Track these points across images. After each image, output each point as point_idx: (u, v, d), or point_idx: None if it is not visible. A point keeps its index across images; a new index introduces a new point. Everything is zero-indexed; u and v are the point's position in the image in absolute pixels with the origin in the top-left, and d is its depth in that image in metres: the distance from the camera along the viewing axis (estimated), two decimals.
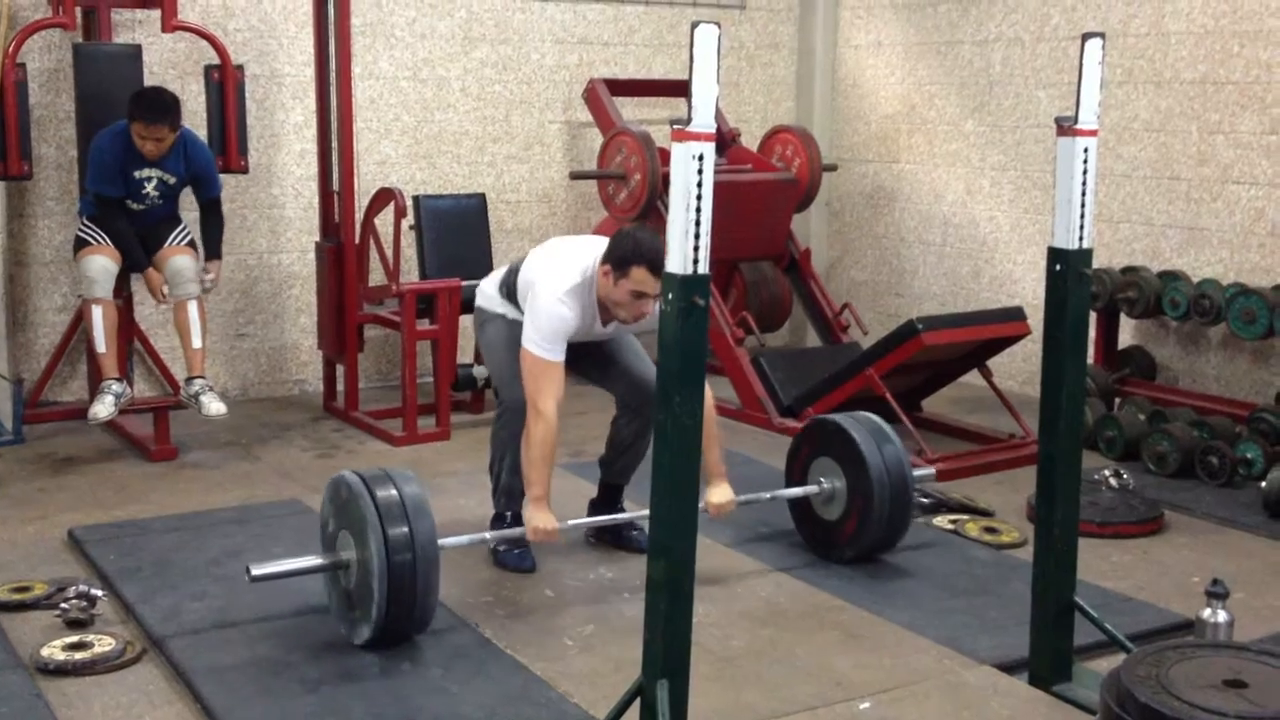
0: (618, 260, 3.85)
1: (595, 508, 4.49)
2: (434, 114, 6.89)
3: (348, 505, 3.53)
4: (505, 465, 4.19)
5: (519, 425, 3.97)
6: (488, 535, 4.04)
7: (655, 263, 3.71)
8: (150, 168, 5.33)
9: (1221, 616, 3.38)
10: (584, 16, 7.25)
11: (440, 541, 3.56)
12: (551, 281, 3.93)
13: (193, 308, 5.38)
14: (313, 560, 3.61)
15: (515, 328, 4.06)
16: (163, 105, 5.26)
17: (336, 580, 3.61)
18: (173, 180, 5.41)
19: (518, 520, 4.14)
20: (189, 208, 5.67)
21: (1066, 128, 3.24)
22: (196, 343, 5.39)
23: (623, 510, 4.43)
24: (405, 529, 3.43)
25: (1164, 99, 6.17)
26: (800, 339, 7.91)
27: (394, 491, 3.50)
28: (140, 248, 5.39)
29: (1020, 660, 3.52)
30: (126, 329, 5.70)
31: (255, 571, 3.49)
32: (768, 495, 4.37)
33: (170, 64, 6.17)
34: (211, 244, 5.60)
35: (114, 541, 4.41)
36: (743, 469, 5.34)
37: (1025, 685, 3.44)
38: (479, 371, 6.20)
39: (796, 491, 4.37)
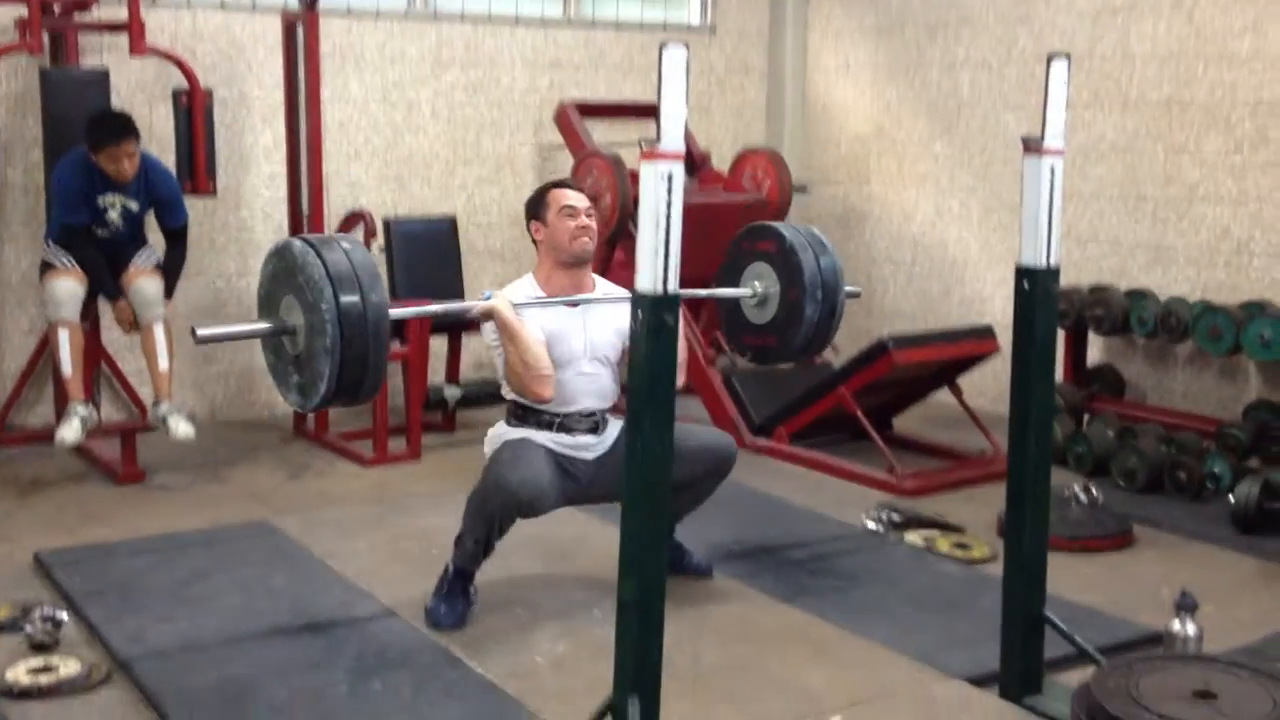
0: (534, 206, 4.00)
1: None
2: (404, 137, 6.90)
3: (293, 269, 3.23)
4: (471, 534, 3.90)
5: (493, 504, 3.77)
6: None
7: (561, 182, 4.11)
8: (112, 193, 5.31)
9: (1190, 629, 3.40)
10: (555, 40, 7.28)
11: (392, 312, 3.29)
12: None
13: (159, 330, 5.35)
14: (261, 325, 3.35)
15: (525, 441, 3.90)
16: (122, 120, 5.25)
17: (282, 348, 3.34)
18: (135, 207, 5.38)
19: (458, 576, 3.95)
20: (156, 229, 5.64)
21: (1033, 147, 3.27)
22: (163, 365, 5.36)
23: (677, 543, 4.27)
24: (357, 292, 3.14)
25: (1130, 120, 6.23)
26: None
27: (342, 254, 3.19)
28: (111, 278, 5.36)
29: (991, 674, 3.52)
30: (93, 352, 5.67)
31: (201, 333, 3.26)
32: None
33: (138, 88, 6.15)
34: (166, 281, 5.51)
35: (80, 565, 4.37)
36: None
37: (996, 698, 3.44)
38: (450, 392, 6.19)
39: (730, 292, 4.26)
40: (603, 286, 4.10)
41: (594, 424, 3.99)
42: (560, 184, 4.07)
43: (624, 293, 3.88)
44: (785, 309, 4.11)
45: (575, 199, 3.97)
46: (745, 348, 4.31)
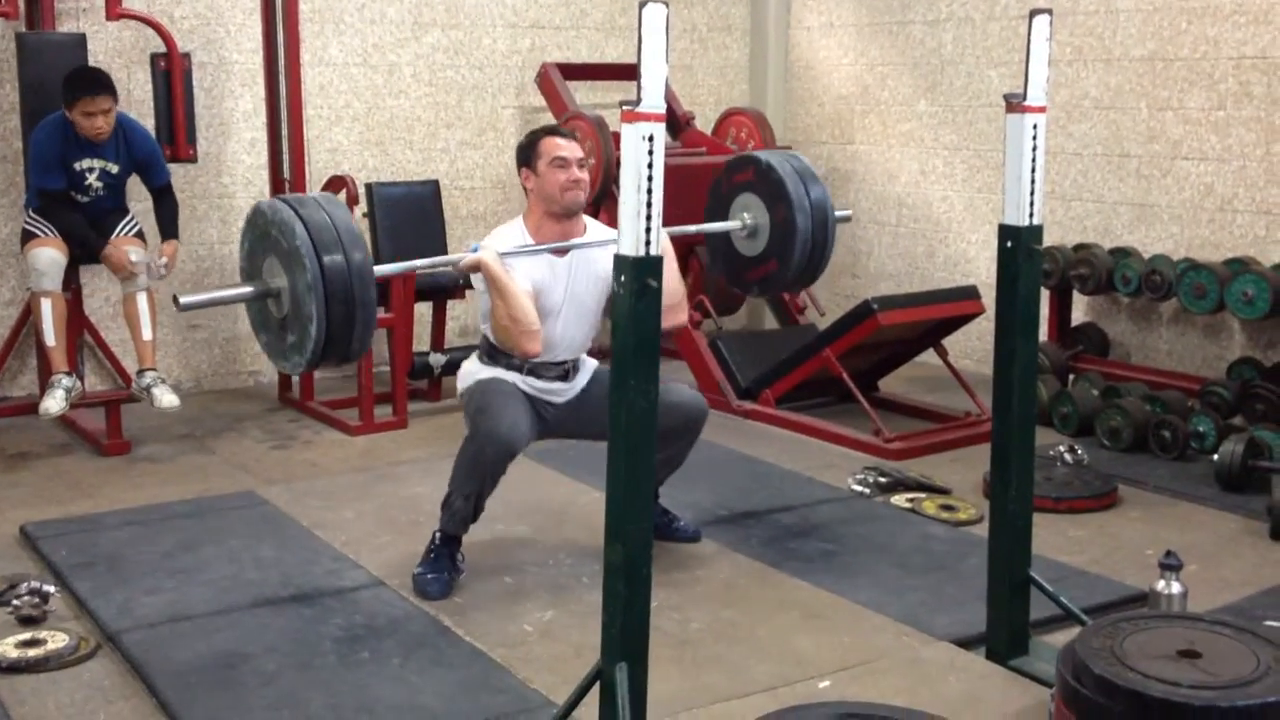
0: (525, 153, 3.92)
1: None
2: (385, 100, 6.84)
3: (275, 231, 3.20)
4: (461, 491, 3.86)
5: (486, 454, 3.76)
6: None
7: (553, 129, 3.99)
8: (91, 157, 5.26)
9: (1175, 588, 3.41)
10: (536, 1, 7.21)
11: (377, 269, 3.29)
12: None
13: (142, 299, 5.32)
14: (245, 289, 3.33)
15: (498, 380, 3.91)
16: (97, 76, 5.21)
17: (267, 312, 3.31)
18: (115, 169, 5.34)
19: (445, 543, 3.95)
20: (138, 199, 5.60)
21: (1015, 104, 3.25)
22: (147, 334, 5.33)
23: (663, 509, 4.27)
24: (340, 251, 3.12)
25: (1113, 76, 6.21)
26: (757, 321, 7.91)
27: (323, 213, 3.18)
28: (92, 232, 5.31)
29: (978, 635, 3.54)
30: (76, 322, 5.63)
31: (183, 300, 3.24)
32: None
33: (116, 52, 6.08)
34: (166, 226, 5.51)
35: (66, 537, 4.36)
36: (703, 453, 5.33)
37: (983, 660, 3.46)
38: (435, 359, 6.17)
39: (720, 226, 4.25)
40: (593, 229, 4.04)
41: (564, 371, 3.99)
42: (553, 131, 3.97)
43: (614, 234, 3.84)
44: (777, 228, 4.10)
45: (568, 149, 3.88)
46: (750, 284, 4.27)
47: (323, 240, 3.11)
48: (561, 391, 4.00)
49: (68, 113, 5.16)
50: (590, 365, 4.11)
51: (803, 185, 4.11)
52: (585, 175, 3.90)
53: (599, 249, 3.90)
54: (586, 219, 4.04)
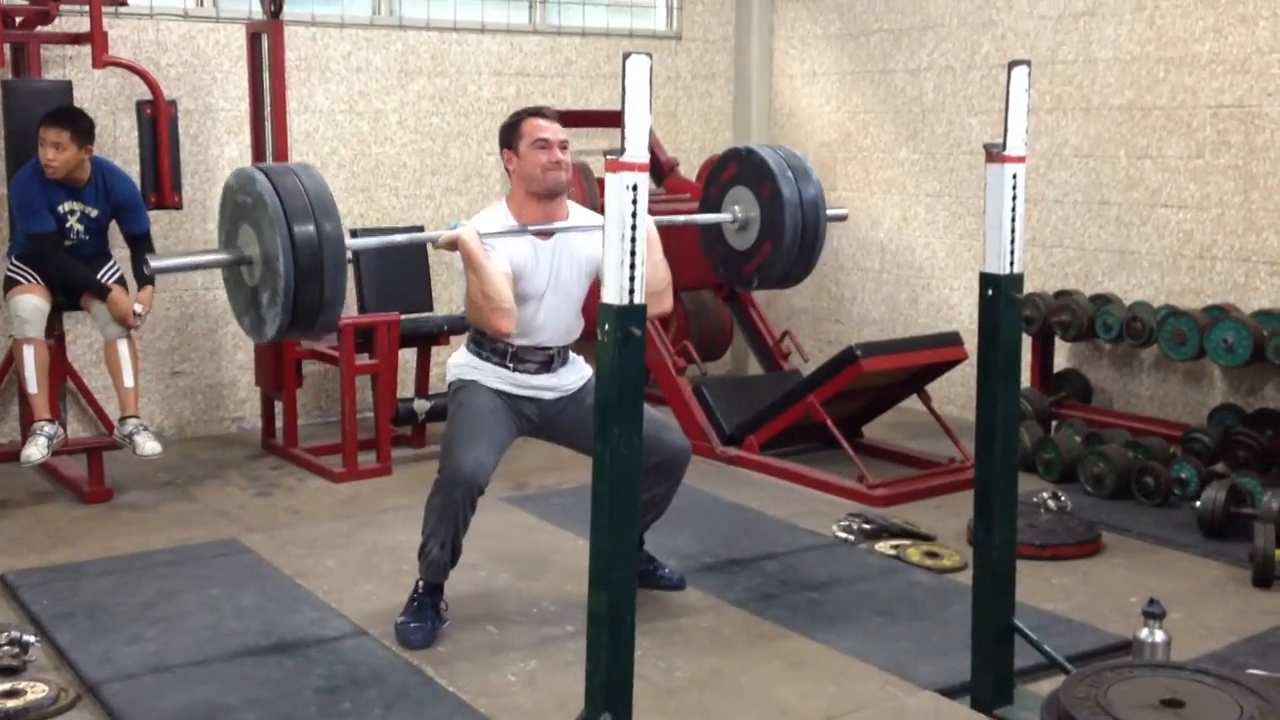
0: (507, 134, 3.92)
1: None
2: (371, 147, 6.87)
3: (250, 199, 3.17)
4: (436, 538, 3.85)
5: (454, 497, 3.78)
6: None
7: (536, 110, 3.95)
8: (70, 200, 5.27)
9: (1159, 636, 3.42)
10: (520, 48, 7.27)
11: (349, 242, 3.25)
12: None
13: (123, 346, 5.31)
14: (218, 255, 3.31)
15: (477, 391, 3.92)
16: (64, 112, 5.22)
17: (240, 280, 3.28)
18: (94, 213, 5.34)
19: (428, 592, 3.95)
20: (119, 244, 5.60)
21: (995, 154, 3.28)
22: (128, 381, 5.31)
23: (648, 555, 4.26)
24: (311, 221, 3.09)
25: (1093, 125, 6.27)
26: (742, 367, 7.93)
27: (297, 182, 3.15)
28: (85, 270, 5.29)
29: (962, 684, 3.53)
30: (59, 368, 5.61)
31: (154, 264, 3.24)
32: None
33: (102, 99, 6.11)
34: (143, 273, 5.49)
35: (47, 586, 4.33)
36: (688, 499, 5.33)
37: (967, 709, 3.45)
38: (419, 406, 6.17)
39: (710, 217, 4.23)
40: (577, 214, 4.03)
41: (548, 358, 3.95)
42: (535, 112, 3.94)
43: (598, 219, 3.85)
44: (765, 204, 4.09)
45: (549, 130, 3.87)
46: (749, 278, 4.21)
47: (294, 208, 3.07)
48: (548, 388, 3.95)
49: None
50: (582, 368, 4.06)
51: (784, 162, 4.11)
52: (567, 157, 3.89)
53: (583, 234, 3.91)
54: (570, 204, 4.04)
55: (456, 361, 4.04)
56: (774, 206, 4.08)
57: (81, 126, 5.23)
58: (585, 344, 3.64)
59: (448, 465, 3.79)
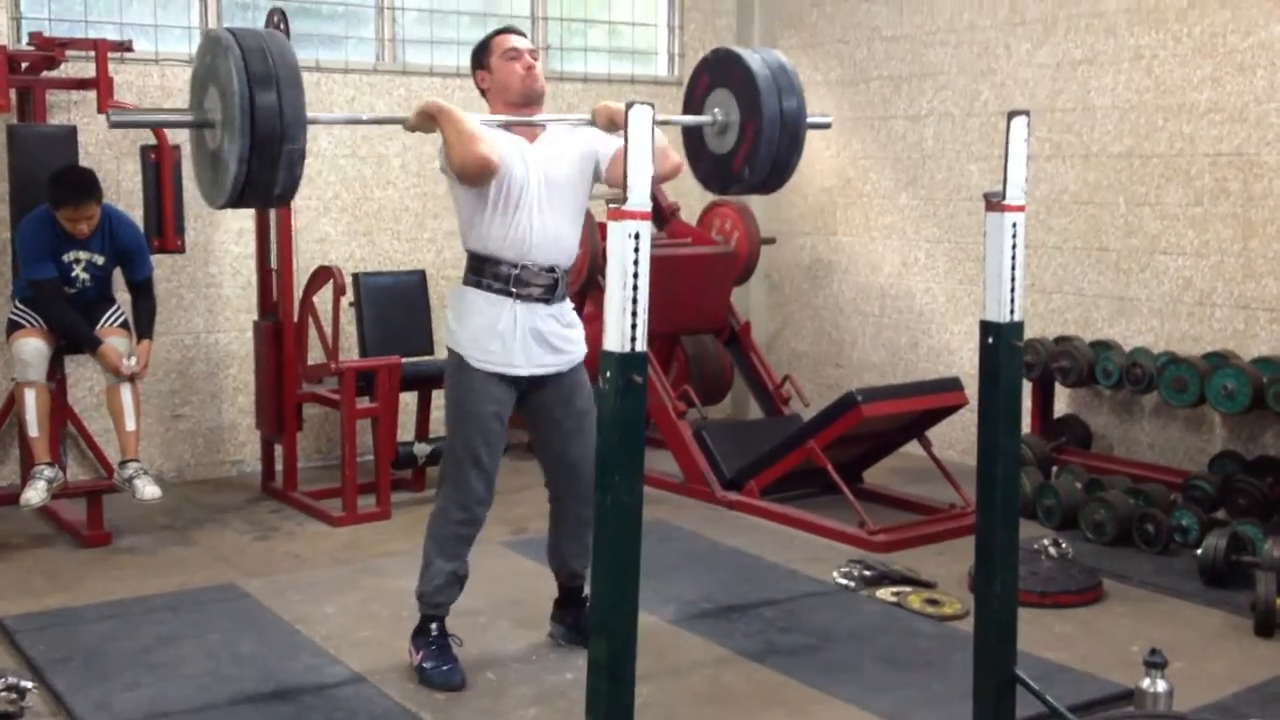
0: (479, 55, 3.94)
1: (561, 615, 4.27)
2: (373, 191, 6.90)
3: (215, 60, 3.12)
4: (434, 570, 3.92)
5: (452, 528, 3.83)
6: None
7: (505, 28, 3.99)
8: (76, 249, 5.28)
9: (1160, 686, 3.40)
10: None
11: (311, 114, 3.17)
12: None
13: (125, 390, 5.31)
14: (182, 114, 3.29)
15: (476, 391, 3.86)
16: (86, 183, 5.24)
17: (204, 142, 3.22)
18: (101, 260, 5.36)
19: (443, 632, 3.96)
20: (122, 287, 5.62)
21: (995, 203, 3.30)
22: (130, 425, 5.31)
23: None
24: (273, 89, 3.03)
25: (1092, 172, 6.31)
26: (742, 411, 7.93)
27: (261, 48, 3.07)
28: (86, 325, 5.32)
29: None
30: (59, 412, 5.61)
31: (115, 117, 3.18)
32: None
33: (106, 144, 6.14)
34: (143, 325, 5.49)
35: (45, 631, 4.31)
36: (687, 544, 5.34)
37: None
38: (419, 449, 6.16)
39: (690, 119, 4.16)
40: (554, 126, 4.01)
41: (553, 282, 3.86)
42: (504, 30, 3.99)
43: (580, 117, 3.88)
44: (739, 89, 3.99)
45: (518, 40, 3.92)
46: (739, 172, 4.08)
47: (255, 76, 3.02)
48: (544, 365, 3.87)
49: (54, 210, 5.19)
50: (576, 339, 3.98)
51: (755, 53, 4.04)
52: (539, 65, 3.92)
53: (566, 135, 3.91)
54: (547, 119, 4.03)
55: (455, 311, 3.92)
56: (748, 88, 3.98)
57: (99, 190, 5.27)
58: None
59: (455, 495, 3.85)
